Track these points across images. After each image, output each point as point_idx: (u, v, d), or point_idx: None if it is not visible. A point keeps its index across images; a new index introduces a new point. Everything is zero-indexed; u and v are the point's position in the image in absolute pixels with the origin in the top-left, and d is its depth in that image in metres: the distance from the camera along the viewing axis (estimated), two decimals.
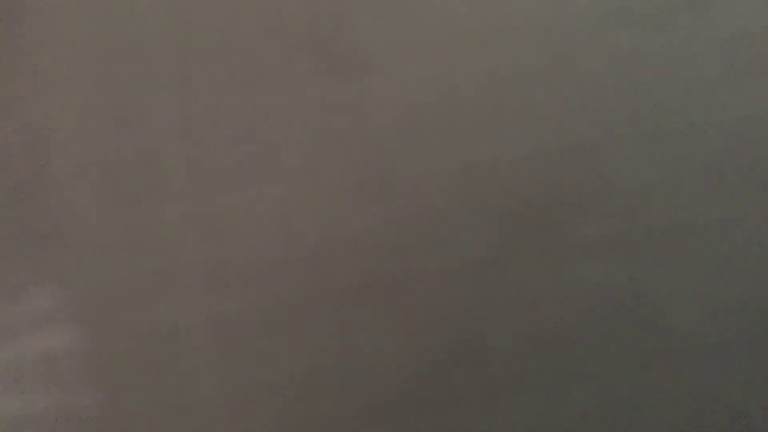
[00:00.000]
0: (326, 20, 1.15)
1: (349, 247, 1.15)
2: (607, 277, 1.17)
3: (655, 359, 1.17)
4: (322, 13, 1.15)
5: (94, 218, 1.14)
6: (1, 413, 1.15)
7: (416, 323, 1.15)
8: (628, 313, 1.17)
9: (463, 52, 1.17)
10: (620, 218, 1.18)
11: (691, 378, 1.18)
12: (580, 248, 1.18)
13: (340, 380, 1.14)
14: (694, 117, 1.19)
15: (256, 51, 1.15)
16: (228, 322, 1.13)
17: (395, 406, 1.15)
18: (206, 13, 1.14)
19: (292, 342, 1.14)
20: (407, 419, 1.15)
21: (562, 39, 1.18)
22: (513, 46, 1.17)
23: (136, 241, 1.14)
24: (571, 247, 1.17)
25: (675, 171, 1.18)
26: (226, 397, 1.13)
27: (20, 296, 1.15)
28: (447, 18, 1.16)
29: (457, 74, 1.17)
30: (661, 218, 1.18)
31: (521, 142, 1.17)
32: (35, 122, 1.14)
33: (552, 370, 1.17)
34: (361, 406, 1.14)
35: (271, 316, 1.14)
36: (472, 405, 1.16)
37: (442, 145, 1.16)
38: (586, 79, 1.18)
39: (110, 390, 1.13)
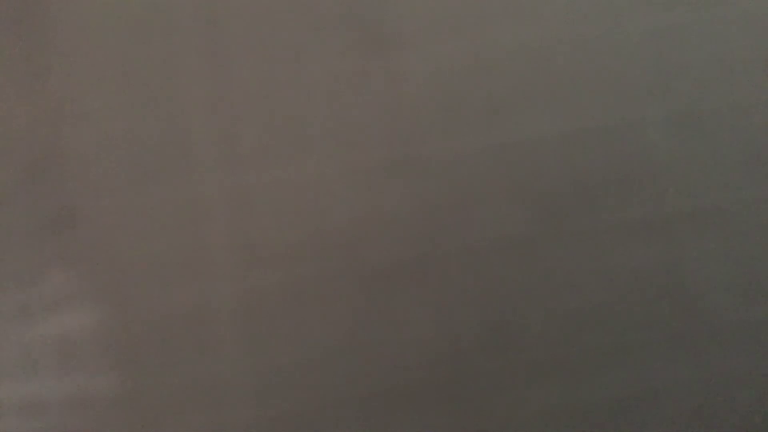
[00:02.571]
0: None
1: (381, 225, 1.12)
2: (643, 259, 1.15)
3: (691, 342, 1.15)
4: None
5: (115, 199, 1.12)
6: (20, 395, 1.12)
7: (449, 303, 1.13)
8: (663, 295, 1.15)
9: (497, 30, 1.15)
10: (656, 199, 1.16)
11: (725, 361, 1.16)
12: (615, 229, 1.15)
13: (370, 360, 1.12)
14: (731, 97, 1.17)
15: (288, 27, 1.12)
16: (256, 301, 1.11)
17: (426, 386, 1.13)
18: None
19: (321, 321, 1.11)
20: (438, 400, 1.13)
21: (597, 17, 1.16)
22: (548, 25, 1.16)
23: (160, 221, 1.11)
24: (607, 228, 1.15)
25: (712, 152, 1.17)
26: (251, 378, 1.10)
27: (39, 278, 1.12)
28: None
29: (491, 52, 1.15)
30: (698, 199, 1.16)
31: (556, 121, 1.15)
32: (56, 102, 1.12)
33: (586, 352, 1.15)
34: (391, 386, 1.12)
35: (301, 295, 1.11)
36: (504, 386, 1.14)
37: (477, 123, 1.15)
38: (621, 59, 1.16)
39: (130, 372, 1.11)
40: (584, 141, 1.15)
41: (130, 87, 1.11)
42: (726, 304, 1.16)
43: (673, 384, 1.15)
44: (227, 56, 1.12)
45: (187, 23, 1.12)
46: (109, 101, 1.12)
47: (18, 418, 1.13)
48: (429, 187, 1.13)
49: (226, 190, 1.12)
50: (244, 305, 1.11)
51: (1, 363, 1.14)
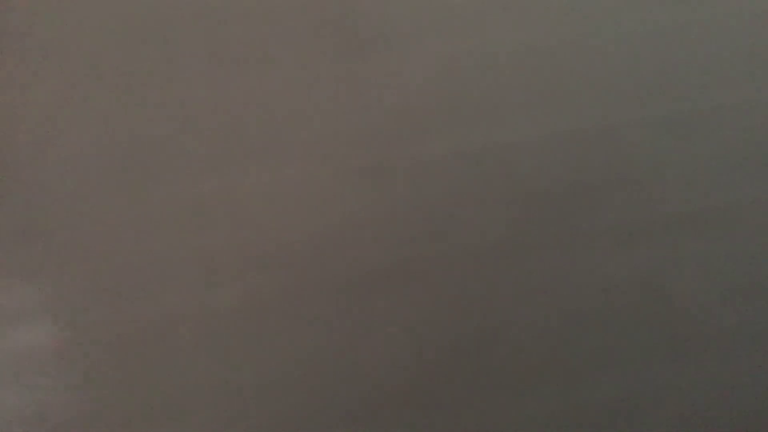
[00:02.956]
0: None
1: (370, 228, 1.10)
2: (627, 264, 1.12)
3: (676, 346, 1.13)
4: None
5: (79, 212, 1.08)
6: None
7: (429, 310, 1.10)
8: (647, 299, 1.13)
9: (489, 31, 1.16)
10: (640, 203, 1.14)
11: (711, 364, 1.14)
12: (608, 231, 1.14)
13: (349, 369, 1.08)
14: (717, 100, 1.17)
15: (278, 28, 1.11)
16: (224, 313, 1.07)
17: (414, 389, 1.09)
18: None
19: (297, 331, 1.08)
20: (426, 403, 1.09)
21: (583, 20, 1.16)
22: (532, 29, 1.16)
23: (146, 225, 1.08)
24: (600, 230, 1.14)
25: (696, 155, 1.16)
26: (217, 396, 1.06)
27: (17, 286, 1.08)
28: None
29: (475, 56, 1.15)
30: (681, 203, 1.15)
31: (540, 125, 1.15)
32: (48, 103, 1.09)
33: (571, 358, 1.12)
34: (372, 397, 1.08)
35: (275, 305, 1.08)
36: (489, 394, 1.11)
37: (465, 125, 1.14)
38: (606, 62, 1.16)
39: (91, 388, 1.06)
40: (568, 145, 1.14)
41: (126, 89, 1.09)
42: (721, 307, 1.14)
43: (667, 388, 1.12)
44: (221, 61, 1.11)
45: (183, 26, 1.11)
46: (103, 103, 1.10)
47: None
48: (419, 189, 1.12)
49: (214, 193, 1.09)
50: (211, 318, 1.07)
51: None
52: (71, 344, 1.07)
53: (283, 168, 1.11)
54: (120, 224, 1.08)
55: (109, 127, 1.09)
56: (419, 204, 1.12)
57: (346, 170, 1.12)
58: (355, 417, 1.07)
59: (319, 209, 1.10)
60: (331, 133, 1.12)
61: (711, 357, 1.13)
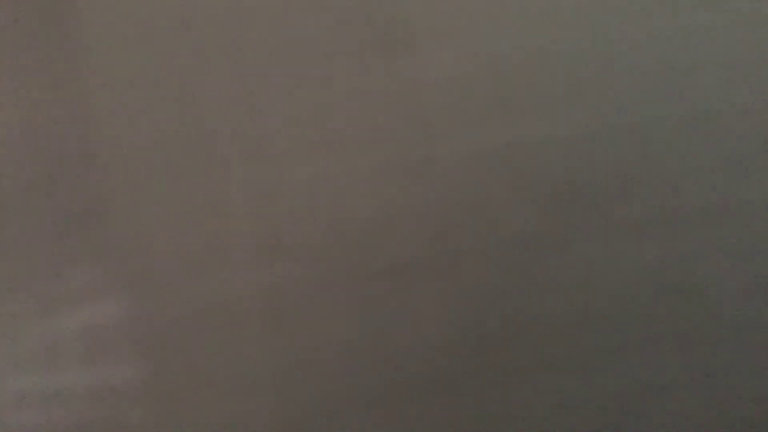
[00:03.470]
0: None
1: (398, 222, 1.14)
2: (654, 255, 1.16)
3: (701, 337, 1.17)
4: None
5: (141, 194, 1.13)
6: (44, 389, 1.14)
7: (462, 301, 1.14)
8: (673, 291, 1.16)
9: (510, 29, 1.16)
10: (666, 198, 1.17)
11: (734, 358, 1.17)
12: (625, 229, 1.17)
13: (388, 352, 1.14)
14: (740, 97, 1.18)
15: (310, 25, 1.14)
16: (278, 294, 1.12)
17: (442, 378, 1.14)
18: None
19: (340, 314, 1.13)
20: (452, 392, 1.14)
21: (608, 17, 1.17)
22: (560, 24, 1.17)
23: (185, 216, 1.13)
24: (616, 228, 1.17)
25: (721, 151, 1.18)
26: (273, 371, 1.12)
27: (65, 272, 1.14)
28: None
29: (504, 51, 1.16)
30: (706, 199, 1.17)
31: (568, 121, 1.17)
32: (82, 98, 1.13)
33: (596, 350, 1.16)
34: (408, 382, 1.14)
35: (320, 291, 1.13)
36: (516, 384, 1.15)
37: (489, 122, 1.16)
38: (632, 59, 1.17)
39: (153, 363, 1.13)
40: (595, 141, 1.16)
41: (156, 84, 1.13)
42: (737, 301, 1.17)
43: (684, 379, 1.17)
44: (251, 55, 1.13)
45: (211, 21, 1.14)
46: (135, 98, 1.13)
47: (40, 409, 1.14)
48: (446, 185, 1.14)
49: (250, 186, 1.13)
50: (266, 298, 1.13)
51: (24, 356, 1.15)
52: (138, 321, 1.13)
53: (316, 163, 1.14)
54: (183, 209, 1.13)
55: (174, 118, 1.13)
56: (453, 197, 1.15)
57: (381, 163, 1.15)
58: (382, 405, 1.13)
59: (354, 202, 1.14)
60: (361, 129, 1.15)
61: (727, 350, 1.17)
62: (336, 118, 1.15)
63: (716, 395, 1.17)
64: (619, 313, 1.16)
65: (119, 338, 1.13)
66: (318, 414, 1.13)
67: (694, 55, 1.18)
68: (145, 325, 1.13)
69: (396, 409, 1.14)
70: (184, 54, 1.13)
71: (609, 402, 1.16)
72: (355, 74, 1.15)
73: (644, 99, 1.17)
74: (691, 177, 1.17)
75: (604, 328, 1.16)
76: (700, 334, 1.17)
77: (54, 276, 1.14)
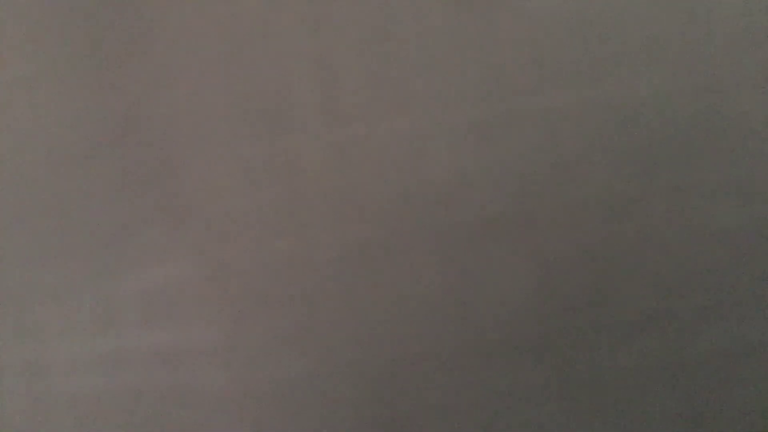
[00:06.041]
0: None
1: (478, 181, 1.12)
2: (741, 216, 1.14)
3: None
4: None
5: (214, 152, 1.11)
6: (127, 345, 1.12)
7: (543, 261, 1.12)
8: (761, 253, 1.14)
9: None
10: (753, 157, 1.15)
11: None
12: (713, 187, 1.15)
13: (464, 314, 1.12)
14: None
15: None
16: (356, 254, 1.10)
17: (519, 345, 1.12)
18: None
19: (417, 274, 1.11)
20: (536, 356, 1.12)
21: None
22: None
23: (258, 174, 1.11)
24: (705, 187, 1.15)
25: None
26: (352, 330, 1.10)
27: (135, 232, 1.12)
28: None
29: (589, 8, 1.15)
30: None
31: (654, 79, 1.15)
32: (151, 58, 1.12)
33: (681, 312, 1.14)
34: (492, 341, 1.12)
35: (400, 250, 1.11)
36: (600, 343, 1.13)
37: (575, 80, 1.14)
38: (718, 19, 1.16)
39: (225, 323, 1.11)
40: (682, 99, 1.15)
41: (230, 43, 1.12)
42: None
43: None
44: (327, 10, 1.13)
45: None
46: (207, 56, 1.12)
47: (96, 374, 1.13)
48: (528, 143, 1.13)
49: (325, 145, 1.12)
50: (344, 258, 1.11)
51: (82, 319, 1.14)
52: (210, 283, 1.11)
53: (393, 121, 1.13)
54: (256, 169, 1.12)
55: (248, 77, 1.12)
56: (529, 157, 1.14)
57: (454, 124, 1.14)
58: (465, 365, 1.11)
59: (426, 162, 1.13)
60: (440, 87, 1.14)
61: None
62: (414, 77, 1.14)
63: None
64: (706, 274, 1.14)
65: (190, 300, 1.11)
66: (399, 374, 1.11)
67: None
68: (217, 286, 1.11)
69: (480, 369, 1.12)
70: (259, 11, 1.13)
71: (695, 362, 1.13)
72: (434, 32, 1.14)
73: (728, 61, 1.16)
74: None
75: (692, 288, 1.14)
76: None
77: (122, 237, 1.13)
